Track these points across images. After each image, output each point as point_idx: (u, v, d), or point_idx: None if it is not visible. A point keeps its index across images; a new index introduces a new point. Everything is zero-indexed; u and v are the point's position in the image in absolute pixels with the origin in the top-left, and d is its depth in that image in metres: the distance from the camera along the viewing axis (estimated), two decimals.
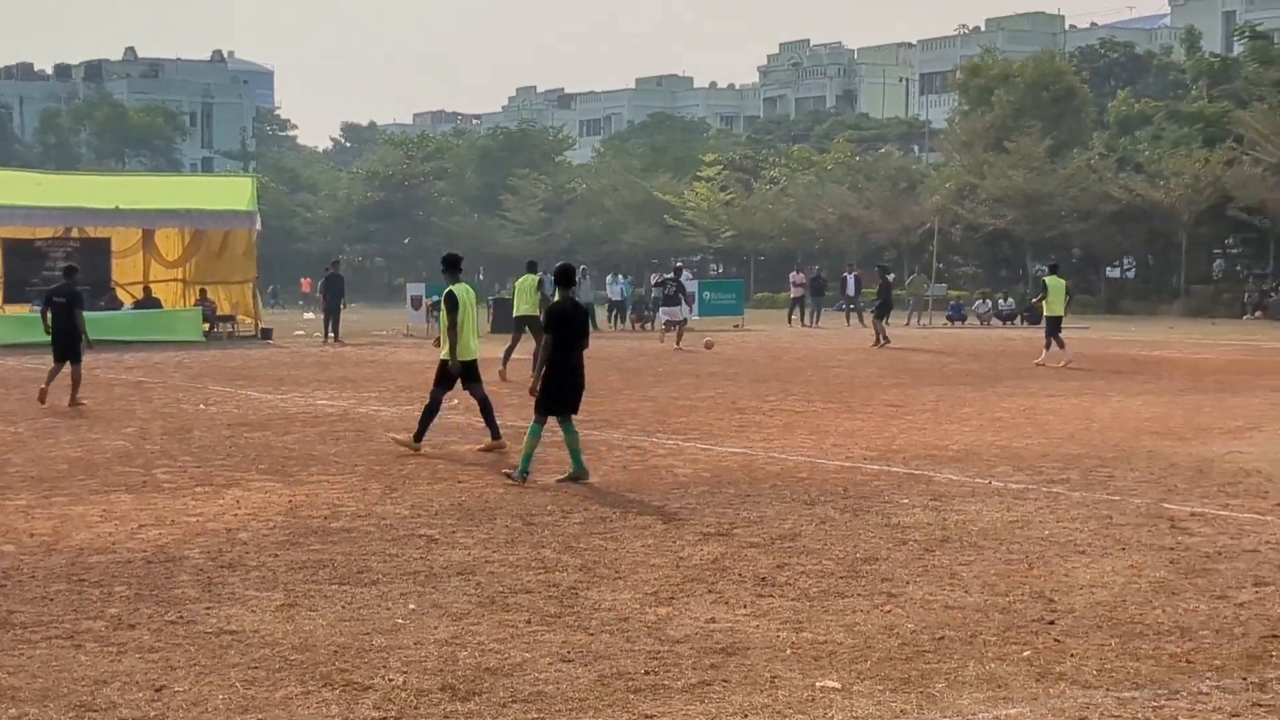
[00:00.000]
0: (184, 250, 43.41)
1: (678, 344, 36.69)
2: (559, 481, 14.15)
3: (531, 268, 28.80)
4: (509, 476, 14.10)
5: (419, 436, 16.49)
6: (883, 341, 37.13)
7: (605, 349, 35.20)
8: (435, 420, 16.75)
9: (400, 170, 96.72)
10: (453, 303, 16.36)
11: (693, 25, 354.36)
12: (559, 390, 14.26)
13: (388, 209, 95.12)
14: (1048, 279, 31.43)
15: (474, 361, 16.69)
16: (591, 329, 16.81)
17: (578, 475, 14.23)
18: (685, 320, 39.55)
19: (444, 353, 16.53)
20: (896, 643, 8.37)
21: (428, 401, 16.70)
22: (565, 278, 14.74)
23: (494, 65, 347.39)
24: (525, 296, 27.64)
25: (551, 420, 14.39)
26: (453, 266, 16.75)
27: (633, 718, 7.08)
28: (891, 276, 57.06)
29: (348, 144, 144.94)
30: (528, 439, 14.29)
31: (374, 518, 12.30)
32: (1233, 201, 55.92)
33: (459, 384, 16.71)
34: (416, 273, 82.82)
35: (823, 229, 72.55)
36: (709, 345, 35.91)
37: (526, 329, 26.71)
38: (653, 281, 51.43)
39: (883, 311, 39.48)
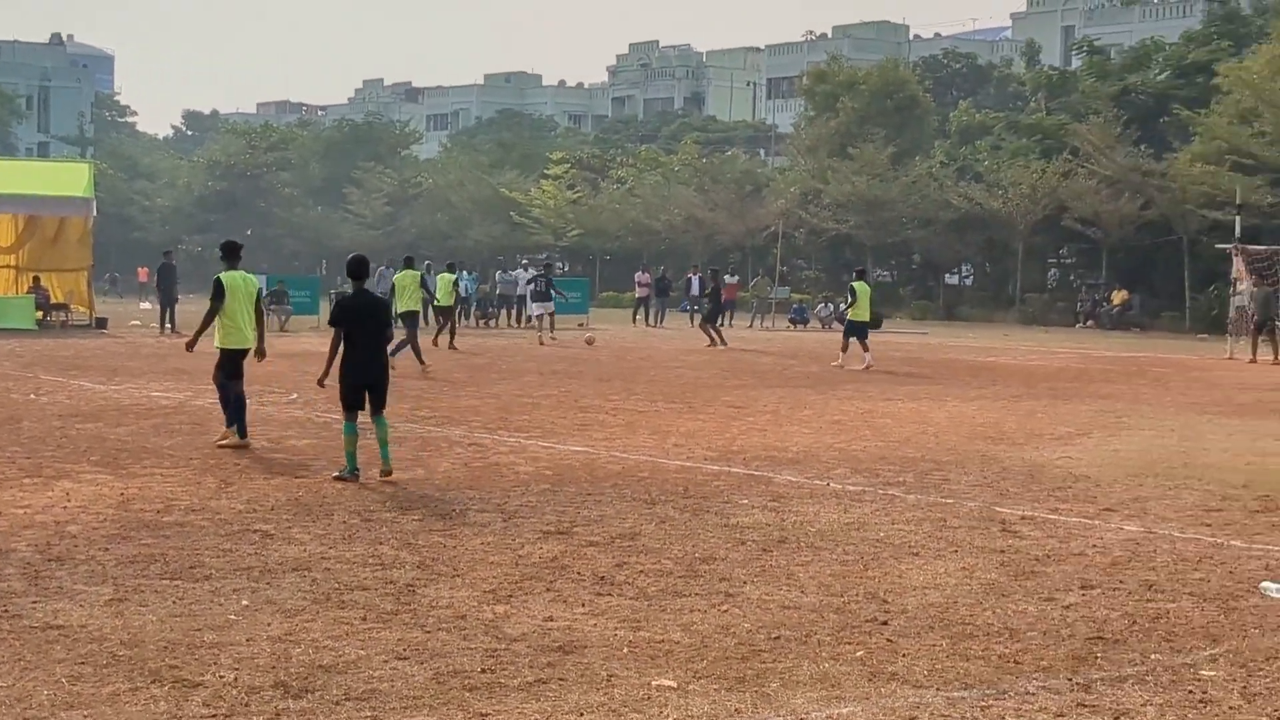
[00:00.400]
0: (17, 236, 42.38)
1: (551, 337, 38.51)
2: (334, 478, 13.91)
3: (409, 263, 29.36)
4: (340, 478, 13.90)
5: (242, 432, 16.28)
6: (717, 342, 37.59)
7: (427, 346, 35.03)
8: (247, 408, 16.58)
9: (243, 160, 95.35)
10: (217, 289, 16.28)
11: (543, 23, 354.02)
12: (353, 386, 14.11)
13: (229, 199, 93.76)
14: (855, 284, 31.85)
15: (245, 352, 16.55)
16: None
17: (386, 468, 14.04)
18: (549, 315, 40.84)
19: (217, 341, 16.44)
20: (733, 642, 8.42)
21: (226, 394, 16.49)
22: (357, 270, 14.44)
23: (341, 56, 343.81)
24: (407, 292, 28.15)
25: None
26: (230, 254, 16.74)
27: (468, 716, 7.05)
28: (735, 278, 57.69)
29: (189, 132, 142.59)
30: (345, 438, 14.12)
31: (208, 512, 12.11)
32: (1068, 212, 57.10)
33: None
34: (257, 264, 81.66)
35: (668, 230, 72.87)
36: (590, 341, 36.80)
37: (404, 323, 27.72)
38: (511, 278, 51.65)
39: (714, 314, 39.93)
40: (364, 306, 14.26)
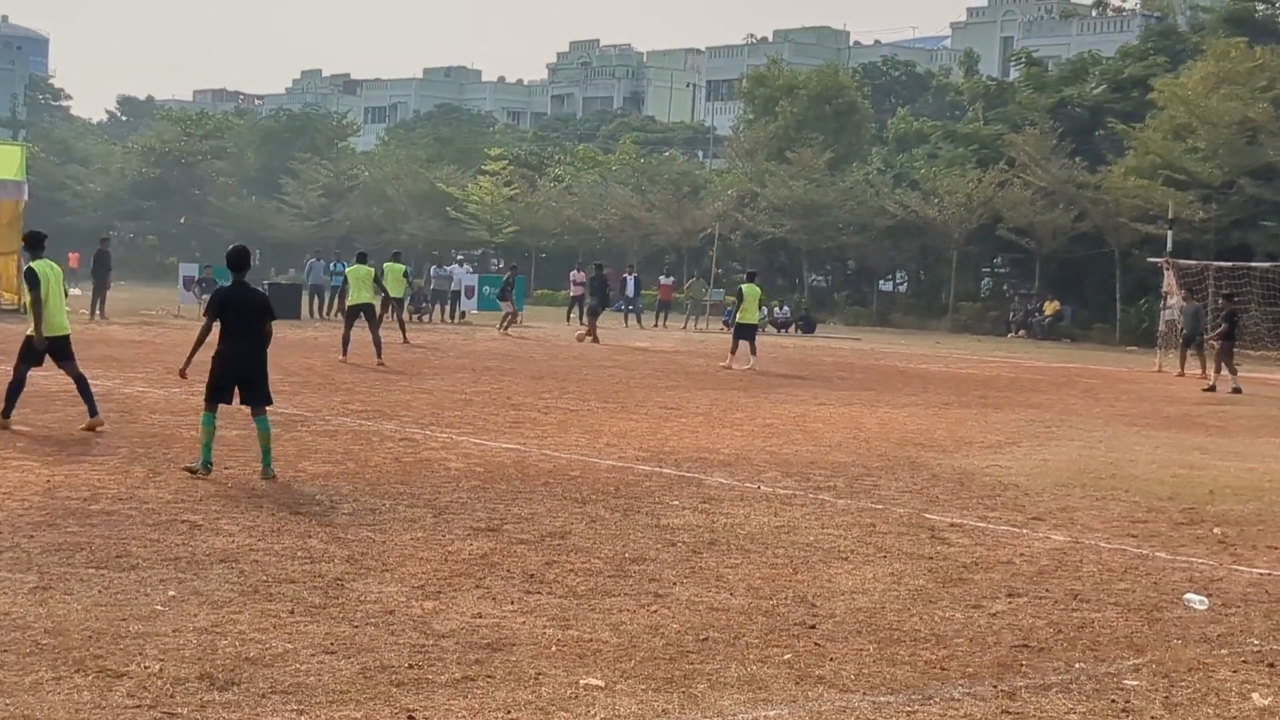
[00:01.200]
0: None
1: (504, 331, 40.39)
2: (185, 469, 13.56)
3: (362, 258, 29.92)
4: (191, 471, 13.44)
5: (6, 413, 16.19)
6: (591, 338, 38.78)
7: (383, 338, 34.86)
8: (22, 394, 16.42)
9: (178, 147, 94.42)
10: (33, 279, 16.25)
11: (483, 18, 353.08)
12: (222, 380, 13.65)
13: (163, 186, 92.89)
14: (744, 287, 32.22)
15: (64, 338, 16.50)
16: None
17: (266, 474, 13.53)
18: (517, 312, 43.44)
19: (30, 329, 16.36)
20: (661, 642, 8.43)
21: (12, 377, 16.41)
22: (237, 261, 13.82)
23: (279, 46, 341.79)
24: (361, 286, 28.96)
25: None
26: (35, 244, 16.86)
27: (394, 711, 7.02)
28: (670, 279, 57.76)
29: (124, 118, 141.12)
30: (202, 428, 13.67)
31: (136, 501, 12.01)
32: (1002, 222, 57.45)
33: (52, 361, 16.56)
34: (190, 252, 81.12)
35: (605, 229, 72.81)
36: (580, 339, 38.49)
37: (362, 315, 28.41)
38: (446, 273, 52.14)
39: (598, 308, 41.31)
40: (242, 299, 13.69)
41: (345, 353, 27.86)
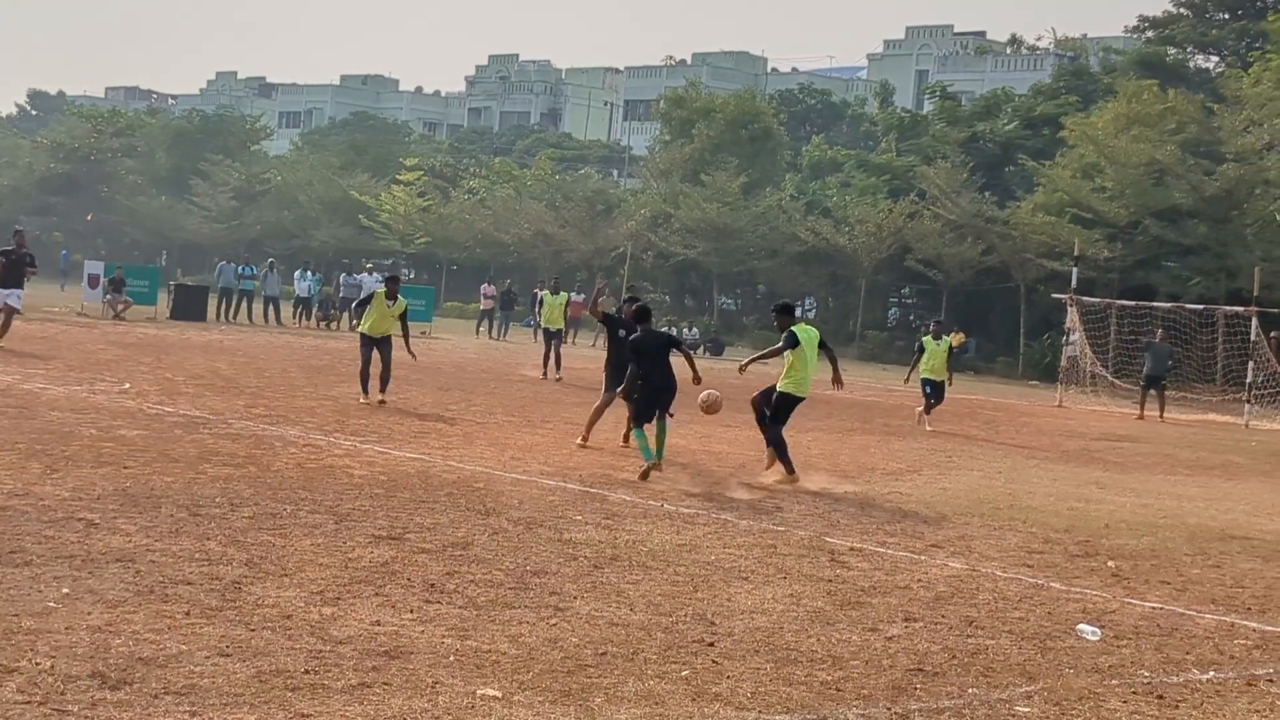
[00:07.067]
0: None
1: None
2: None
3: (555, 289, 35.05)
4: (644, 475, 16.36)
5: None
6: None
7: (291, 344, 34.66)
8: None
9: (88, 144, 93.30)
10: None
11: (403, 27, 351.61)
12: (644, 404, 17.37)
13: (71, 183, 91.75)
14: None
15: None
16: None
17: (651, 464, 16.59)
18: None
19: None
20: (559, 655, 8.43)
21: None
22: (641, 317, 18.10)
23: (194, 46, 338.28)
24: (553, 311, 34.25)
25: None
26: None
27: (289, 716, 6.96)
28: (580, 297, 57.67)
29: (34, 112, 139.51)
30: (637, 439, 17.12)
31: (32, 497, 11.84)
32: (911, 253, 58.04)
33: None
34: (96, 250, 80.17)
35: (517, 243, 72.82)
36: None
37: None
38: (356, 281, 51.15)
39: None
40: (648, 342, 17.53)
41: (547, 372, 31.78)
